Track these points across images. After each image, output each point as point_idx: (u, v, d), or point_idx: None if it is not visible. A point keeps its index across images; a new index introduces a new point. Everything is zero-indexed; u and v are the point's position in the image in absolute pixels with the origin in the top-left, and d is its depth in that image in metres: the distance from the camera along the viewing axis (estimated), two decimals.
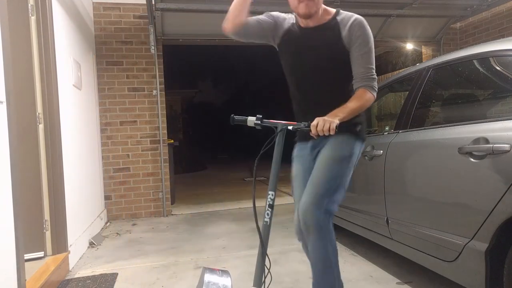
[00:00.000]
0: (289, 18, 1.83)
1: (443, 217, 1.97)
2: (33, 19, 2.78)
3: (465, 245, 1.80)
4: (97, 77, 4.74)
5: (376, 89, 1.69)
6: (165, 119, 5.03)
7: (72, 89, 3.50)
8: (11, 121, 2.04)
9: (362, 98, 1.64)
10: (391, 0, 4.76)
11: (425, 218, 2.11)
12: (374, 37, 5.65)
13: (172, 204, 5.37)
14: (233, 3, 1.71)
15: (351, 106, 1.60)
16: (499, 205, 1.61)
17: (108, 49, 4.81)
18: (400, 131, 2.43)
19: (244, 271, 2.78)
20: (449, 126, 2.02)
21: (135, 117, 4.89)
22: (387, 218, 2.46)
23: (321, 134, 1.49)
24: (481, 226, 1.71)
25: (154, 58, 4.88)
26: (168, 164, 5.04)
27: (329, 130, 1.47)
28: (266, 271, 1.59)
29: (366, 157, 2.69)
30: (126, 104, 4.87)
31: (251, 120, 1.67)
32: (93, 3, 4.73)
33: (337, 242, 3.57)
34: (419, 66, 2.55)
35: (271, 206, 1.61)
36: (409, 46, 6.58)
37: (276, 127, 1.65)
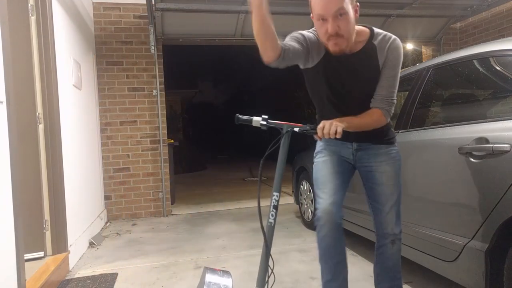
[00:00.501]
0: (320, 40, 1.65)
1: (443, 217, 1.97)
2: (33, 19, 2.78)
3: (465, 245, 1.80)
4: (97, 77, 4.74)
5: (391, 114, 1.66)
6: (165, 119, 5.03)
7: (72, 89, 3.50)
8: (11, 121, 2.04)
9: (375, 118, 1.62)
10: (391, 0, 4.76)
11: (425, 218, 2.11)
12: None
13: (172, 204, 5.37)
14: (257, 29, 1.48)
15: (361, 121, 1.60)
16: (499, 205, 1.62)
17: (108, 49, 4.81)
18: (400, 131, 2.43)
19: (245, 271, 2.78)
20: (449, 126, 2.02)
21: (135, 117, 4.89)
22: None
23: (326, 137, 1.47)
24: (481, 226, 1.71)
25: (154, 58, 4.88)
26: (168, 164, 5.04)
27: (335, 134, 1.44)
28: (270, 271, 1.59)
29: None
30: (126, 104, 4.87)
31: (257, 120, 1.65)
32: (93, 3, 4.73)
33: None
34: (419, 66, 2.55)
35: (276, 207, 1.61)
36: (409, 46, 6.58)
37: (282, 128, 1.64)
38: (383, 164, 1.74)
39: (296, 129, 1.63)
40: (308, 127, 1.59)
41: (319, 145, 1.86)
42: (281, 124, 1.65)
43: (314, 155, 1.87)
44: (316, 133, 1.54)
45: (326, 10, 1.43)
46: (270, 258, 1.58)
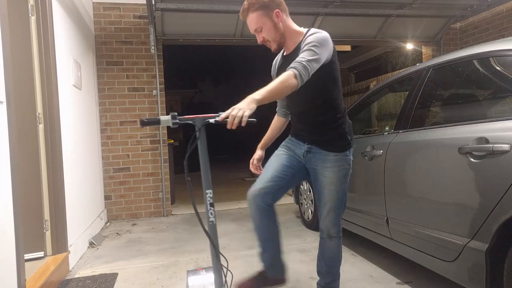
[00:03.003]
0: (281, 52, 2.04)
1: (443, 217, 1.97)
2: (33, 19, 2.78)
3: (465, 245, 1.80)
4: (97, 77, 4.74)
5: (303, 78, 1.63)
6: None
7: (72, 89, 3.50)
8: (11, 121, 2.04)
9: (282, 78, 1.60)
10: (391, 0, 4.76)
11: (425, 218, 2.11)
12: (374, 37, 5.64)
13: (172, 204, 5.37)
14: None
15: (269, 87, 1.57)
16: (499, 205, 1.61)
17: (108, 49, 4.81)
18: (400, 131, 2.43)
19: (244, 271, 2.78)
20: (449, 126, 2.02)
21: (135, 117, 4.89)
22: (387, 218, 2.46)
23: (234, 127, 1.42)
24: (481, 226, 1.71)
25: (154, 58, 4.88)
26: (168, 164, 5.04)
27: (241, 122, 1.41)
28: (225, 270, 1.58)
29: (366, 157, 2.69)
30: (126, 104, 4.87)
31: (165, 119, 1.52)
32: (93, 3, 4.73)
33: None
34: (419, 66, 2.55)
35: (212, 205, 1.58)
36: (409, 46, 6.59)
37: (195, 123, 1.54)
38: (327, 169, 1.89)
39: (212, 121, 1.51)
40: (218, 117, 1.48)
41: (285, 140, 2.10)
42: (193, 119, 1.54)
43: (280, 146, 2.10)
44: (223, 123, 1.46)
45: (250, 29, 1.88)
46: (222, 256, 1.56)
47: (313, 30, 1.85)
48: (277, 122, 2.20)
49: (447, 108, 2.54)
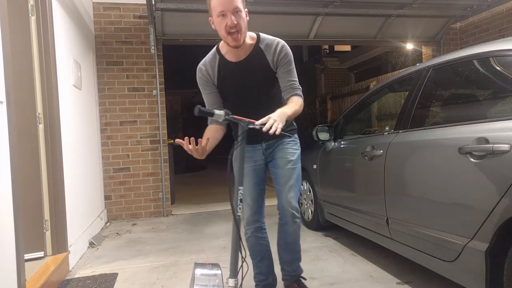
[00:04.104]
0: (212, 58, 2.02)
1: (443, 217, 1.97)
2: (33, 19, 2.78)
3: (465, 245, 1.80)
4: (97, 77, 4.74)
5: (303, 97, 1.98)
6: (165, 119, 5.03)
7: (72, 89, 3.50)
8: (11, 121, 2.04)
9: (298, 103, 1.90)
10: (391, 0, 4.76)
11: (425, 218, 2.11)
12: (374, 37, 5.66)
13: (172, 204, 5.37)
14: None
15: (292, 111, 1.83)
16: (499, 205, 1.61)
17: (108, 49, 4.81)
18: (400, 131, 2.43)
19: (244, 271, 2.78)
20: (449, 126, 2.02)
21: (135, 117, 4.89)
22: (387, 218, 2.46)
23: (270, 132, 1.57)
24: (481, 226, 1.71)
25: (154, 58, 4.88)
26: (168, 164, 5.04)
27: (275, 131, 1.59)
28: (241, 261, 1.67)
29: (366, 157, 2.69)
30: (126, 104, 4.87)
31: (219, 114, 1.66)
32: (93, 3, 4.73)
33: (337, 242, 3.58)
34: (419, 66, 2.55)
35: (241, 200, 1.72)
36: (409, 46, 6.59)
37: (242, 125, 1.69)
38: (283, 151, 2.08)
39: (257, 126, 1.63)
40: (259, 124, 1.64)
41: (235, 153, 1.94)
42: (241, 120, 1.68)
43: (233, 159, 1.91)
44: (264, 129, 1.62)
45: (225, 6, 1.75)
46: (242, 247, 1.69)
47: (269, 40, 1.96)
48: (212, 131, 1.95)
49: (447, 108, 2.54)
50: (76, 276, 2.87)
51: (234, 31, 1.80)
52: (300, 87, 1.98)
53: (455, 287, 2.02)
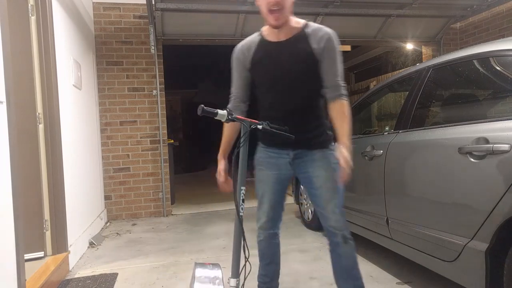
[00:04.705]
0: (253, 39, 1.86)
1: (443, 217, 1.97)
2: (33, 19, 2.77)
3: (465, 245, 1.80)
4: (97, 77, 4.74)
5: (346, 95, 1.80)
6: (165, 119, 5.03)
7: (72, 89, 3.50)
8: (11, 121, 2.04)
9: (346, 110, 1.74)
10: (391, 0, 4.76)
11: (425, 218, 2.11)
12: (374, 37, 5.67)
13: (172, 204, 5.37)
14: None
15: (347, 125, 1.72)
16: (499, 205, 1.62)
17: (108, 49, 4.81)
18: (400, 131, 2.43)
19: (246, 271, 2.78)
20: (449, 126, 2.02)
21: (135, 117, 4.89)
22: (387, 218, 2.46)
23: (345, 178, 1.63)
24: (481, 226, 1.71)
25: (154, 58, 4.88)
26: (168, 164, 5.04)
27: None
28: (244, 261, 1.65)
29: (366, 157, 2.69)
30: (126, 104, 4.87)
31: (222, 113, 1.61)
32: (93, 3, 4.73)
33: None
34: (419, 66, 2.55)
35: (243, 201, 1.70)
36: (409, 46, 6.58)
37: (245, 125, 1.65)
38: (319, 168, 1.80)
39: (260, 127, 1.64)
40: (283, 129, 1.66)
41: (258, 156, 1.95)
42: (244, 120, 1.65)
43: (256, 161, 1.96)
44: (290, 137, 1.66)
45: None
46: (246, 247, 1.66)
47: (317, 27, 1.76)
48: (231, 126, 1.94)
49: (447, 108, 2.54)
50: (76, 276, 2.87)
51: (276, 8, 1.64)
52: (344, 85, 1.77)
53: (455, 287, 2.02)
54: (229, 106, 1.88)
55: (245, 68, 1.86)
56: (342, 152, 1.62)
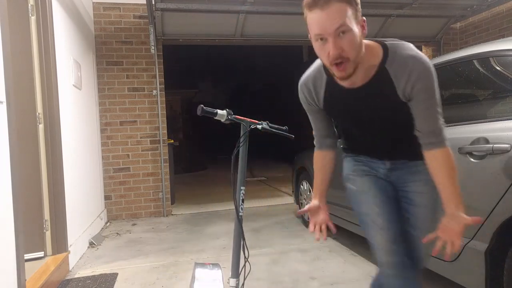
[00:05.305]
0: (318, 74, 1.39)
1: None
2: (33, 19, 2.78)
3: (465, 245, 1.80)
4: (97, 77, 4.74)
5: (447, 138, 1.32)
6: (165, 119, 5.03)
7: (72, 89, 3.50)
8: (11, 121, 2.04)
9: (447, 161, 1.27)
10: (391, 0, 4.76)
11: None
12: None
13: (172, 204, 5.37)
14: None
15: (455, 186, 1.26)
16: (499, 205, 1.62)
17: (108, 49, 4.81)
18: None
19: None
20: (449, 126, 2.01)
21: (135, 117, 4.89)
22: None
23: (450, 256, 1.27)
24: (481, 226, 1.71)
25: (154, 58, 4.88)
26: (168, 164, 5.04)
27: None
28: (244, 261, 1.65)
29: None
30: (126, 104, 4.87)
31: (222, 113, 1.61)
32: (93, 3, 4.73)
33: (337, 242, 3.56)
34: None
35: (243, 201, 1.71)
36: None
37: (244, 125, 1.67)
38: (421, 183, 1.40)
39: (259, 127, 1.64)
40: (284, 129, 1.63)
41: (347, 168, 1.57)
42: (243, 120, 1.66)
43: (344, 178, 1.57)
44: (291, 137, 1.62)
45: (324, 28, 1.15)
46: (246, 247, 1.67)
47: (400, 57, 1.25)
48: (325, 159, 1.57)
49: (447, 108, 2.53)
50: (76, 276, 2.87)
51: (340, 62, 1.18)
52: (442, 127, 1.30)
53: (455, 287, 2.02)
54: (314, 142, 1.59)
55: (317, 110, 1.48)
56: (450, 224, 1.24)
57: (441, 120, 1.30)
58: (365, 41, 1.27)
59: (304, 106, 1.50)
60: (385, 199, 1.42)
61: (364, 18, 1.21)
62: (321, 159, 1.57)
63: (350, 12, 1.14)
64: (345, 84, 1.30)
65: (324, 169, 1.57)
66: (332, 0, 1.13)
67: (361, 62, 1.24)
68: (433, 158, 1.29)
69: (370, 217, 1.43)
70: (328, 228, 1.55)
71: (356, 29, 1.17)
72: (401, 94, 1.27)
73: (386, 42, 1.30)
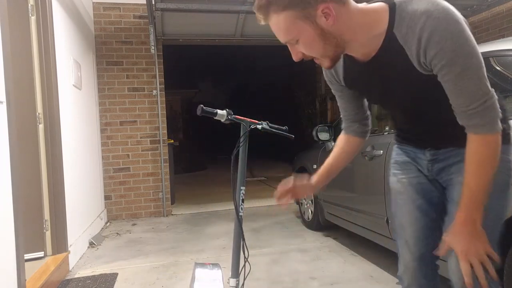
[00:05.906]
0: None
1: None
2: (33, 19, 2.78)
3: None
4: (97, 77, 4.74)
5: (498, 121, 1.01)
6: (165, 119, 5.03)
7: (72, 89, 3.50)
8: (11, 121, 2.04)
9: (482, 156, 1.00)
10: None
11: None
12: None
13: (172, 204, 5.37)
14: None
15: (473, 190, 1.02)
16: None
17: (108, 49, 4.81)
18: None
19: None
20: None
21: (135, 117, 4.90)
22: (387, 218, 2.46)
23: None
24: None
25: (154, 58, 4.88)
26: (168, 164, 5.04)
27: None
28: (244, 261, 1.65)
29: (366, 157, 2.69)
30: (126, 104, 4.87)
31: (222, 113, 1.60)
32: (93, 3, 4.73)
33: (337, 242, 3.57)
34: None
35: (243, 201, 1.72)
36: None
37: (244, 125, 1.66)
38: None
39: (259, 127, 1.64)
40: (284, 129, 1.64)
41: (392, 158, 1.39)
42: (243, 120, 1.66)
43: (391, 166, 1.38)
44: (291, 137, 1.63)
45: (280, 38, 1.07)
46: (246, 247, 1.68)
47: (424, 15, 0.97)
48: (346, 144, 1.40)
49: None
50: (76, 276, 2.87)
51: (310, 59, 1.10)
52: (483, 105, 1.00)
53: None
54: (342, 126, 1.44)
55: (341, 88, 1.33)
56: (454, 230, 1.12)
57: (482, 98, 0.99)
58: (363, 8, 1.06)
59: (330, 86, 1.36)
60: (420, 206, 1.26)
61: (325, 4, 0.98)
62: (341, 142, 1.41)
63: (294, 16, 0.99)
64: (359, 55, 1.12)
65: (339, 154, 1.40)
66: (270, 14, 1.01)
67: (352, 40, 1.05)
68: (467, 145, 1.02)
69: (398, 221, 1.32)
70: None
71: (309, 30, 1.01)
72: (417, 64, 1.03)
73: (394, 2, 1.05)
